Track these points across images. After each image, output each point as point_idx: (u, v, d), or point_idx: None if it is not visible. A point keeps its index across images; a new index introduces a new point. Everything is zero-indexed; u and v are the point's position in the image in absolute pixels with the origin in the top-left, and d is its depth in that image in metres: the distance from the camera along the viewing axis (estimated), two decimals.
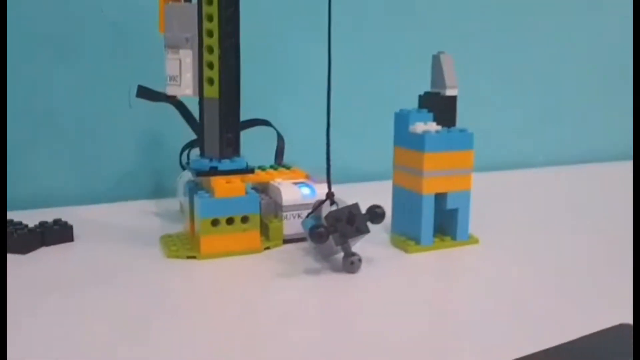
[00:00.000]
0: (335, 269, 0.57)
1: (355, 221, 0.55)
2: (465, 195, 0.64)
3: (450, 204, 0.63)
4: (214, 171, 0.61)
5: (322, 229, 0.54)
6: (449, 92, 0.64)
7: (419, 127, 0.62)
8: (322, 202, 0.58)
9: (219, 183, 0.60)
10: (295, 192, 0.65)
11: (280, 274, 0.56)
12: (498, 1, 1.09)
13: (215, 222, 0.60)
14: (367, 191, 0.63)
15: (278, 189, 0.64)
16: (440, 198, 0.63)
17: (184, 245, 0.62)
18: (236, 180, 0.61)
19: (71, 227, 0.65)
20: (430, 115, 0.64)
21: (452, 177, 0.62)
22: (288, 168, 0.72)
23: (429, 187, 0.62)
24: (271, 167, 0.73)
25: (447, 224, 0.64)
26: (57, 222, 0.65)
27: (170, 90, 0.62)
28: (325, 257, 0.59)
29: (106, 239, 0.66)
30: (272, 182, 0.67)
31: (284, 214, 0.64)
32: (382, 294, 0.51)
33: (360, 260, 0.56)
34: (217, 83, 0.60)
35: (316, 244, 0.55)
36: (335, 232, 0.54)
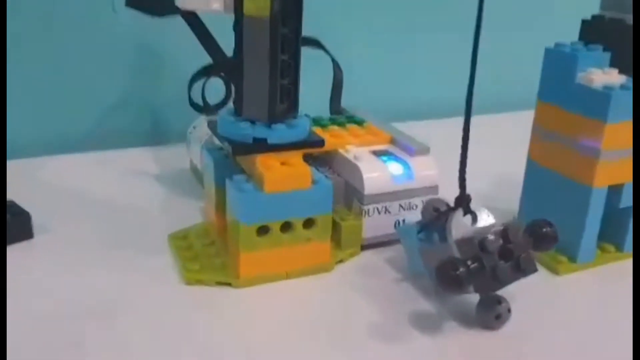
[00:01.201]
0: (458, 305, 0.35)
1: (513, 252, 0.32)
2: None
3: (625, 201, 0.40)
4: (262, 145, 0.36)
5: (461, 272, 0.31)
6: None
7: (596, 76, 0.38)
8: (449, 211, 0.34)
9: (269, 165, 0.36)
10: (382, 172, 0.41)
11: (372, 315, 0.34)
12: None
13: (263, 230, 0.36)
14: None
15: (355, 167, 0.41)
16: (611, 192, 0.40)
17: (209, 259, 0.39)
18: (296, 159, 0.37)
19: (28, 217, 0.41)
20: (607, 55, 0.40)
21: (630, 160, 0.39)
22: (360, 123, 0.48)
23: (604, 176, 0.39)
24: (332, 119, 0.48)
25: (610, 227, 0.41)
26: (9, 208, 0.41)
27: (185, 2, 0.37)
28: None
29: (82, 235, 0.43)
30: (341, 151, 0.43)
31: (365, 207, 0.40)
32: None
33: (509, 310, 0.34)
34: None
35: (446, 292, 0.33)
36: (480, 275, 0.32)
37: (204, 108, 0.55)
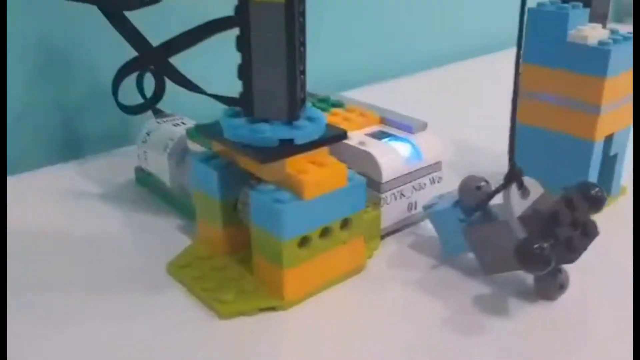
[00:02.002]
0: (508, 281, 0.34)
1: (579, 221, 0.32)
2: (626, 134, 0.43)
3: (614, 149, 0.42)
4: (290, 147, 0.32)
5: (545, 248, 0.30)
6: None
7: (589, 32, 0.38)
8: (505, 187, 0.33)
9: (302, 168, 0.32)
10: (394, 154, 0.38)
11: (434, 307, 0.32)
12: None
13: (304, 241, 0.32)
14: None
15: (367, 154, 0.38)
16: (605, 142, 0.41)
17: (236, 285, 0.34)
18: (323, 156, 0.33)
19: None
20: (587, 11, 0.40)
21: (620, 110, 0.41)
22: (341, 106, 0.44)
23: (603, 129, 0.40)
24: (322, 100, 0.45)
25: (599, 174, 0.43)
26: None
27: None
28: (489, 268, 0.35)
29: (60, 279, 0.35)
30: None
31: (383, 195, 0.38)
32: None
33: (568, 278, 0.34)
34: None
35: (531, 271, 0.32)
36: (556, 249, 0.31)
37: (137, 108, 0.48)
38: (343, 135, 0.34)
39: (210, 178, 0.35)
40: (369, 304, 0.34)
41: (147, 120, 0.44)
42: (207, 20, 0.47)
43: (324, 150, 0.33)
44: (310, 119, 0.33)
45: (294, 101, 0.32)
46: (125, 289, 0.34)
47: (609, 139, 0.41)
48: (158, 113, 0.45)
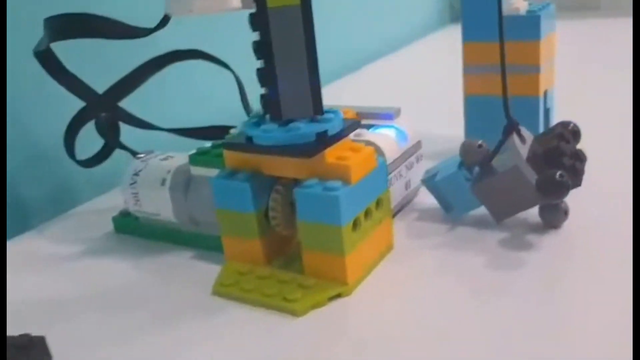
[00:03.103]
0: (517, 225, 0.39)
1: (573, 150, 0.37)
2: (553, 92, 0.50)
3: (548, 103, 0.49)
4: (326, 139, 0.34)
5: (565, 176, 0.35)
6: None
7: (520, 4, 0.45)
8: (506, 138, 0.37)
9: (341, 156, 0.34)
10: (387, 139, 0.41)
11: (478, 268, 0.35)
12: None
13: (355, 225, 0.34)
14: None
15: (371, 144, 0.40)
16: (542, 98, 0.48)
17: (293, 284, 0.34)
18: (350, 143, 0.36)
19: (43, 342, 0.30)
20: None
21: (550, 68, 0.48)
22: None
23: (543, 85, 0.46)
24: None
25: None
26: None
27: (195, 6, 0.31)
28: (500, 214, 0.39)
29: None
30: None
31: (390, 176, 0.40)
32: None
33: (568, 207, 0.39)
34: None
35: (555, 198, 0.36)
36: (568, 174, 0.36)
37: (95, 159, 0.47)
38: (358, 122, 0.37)
39: (240, 192, 0.35)
40: (415, 272, 0.36)
41: (132, 160, 0.43)
42: (151, 57, 0.48)
43: (347, 139, 0.36)
44: (332, 109, 0.35)
45: (318, 97, 0.34)
46: (186, 321, 0.33)
47: (544, 96, 0.48)
48: (135, 154, 0.44)
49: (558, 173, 0.35)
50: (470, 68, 0.47)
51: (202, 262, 0.39)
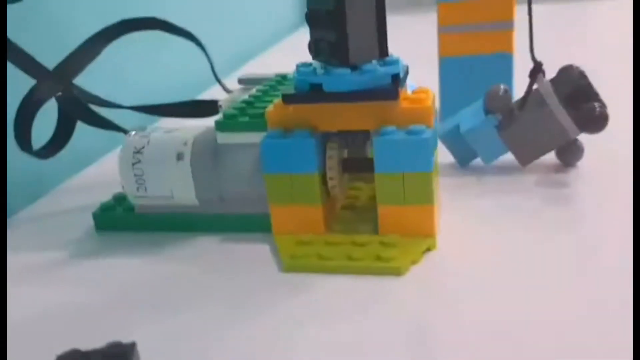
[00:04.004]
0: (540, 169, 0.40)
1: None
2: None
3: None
4: (399, 81, 0.31)
5: (603, 107, 0.36)
6: None
7: None
8: (535, 80, 0.38)
9: (415, 99, 0.32)
10: None
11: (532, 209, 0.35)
12: None
13: (435, 173, 0.32)
14: None
15: None
16: None
17: (376, 244, 0.31)
18: (417, 90, 0.33)
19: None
20: None
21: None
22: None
23: (514, 43, 0.48)
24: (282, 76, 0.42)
25: None
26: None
27: None
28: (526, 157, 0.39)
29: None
30: None
31: None
32: None
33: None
34: None
35: (598, 129, 0.37)
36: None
37: (52, 148, 0.40)
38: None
39: (302, 151, 0.31)
40: (476, 220, 0.35)
41: (125, 137, 0.36)
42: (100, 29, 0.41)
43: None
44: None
45: (385, 40, 0.31)
46: (273, 306, 0.29)
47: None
48: (125, 132, 0.37)
49: (598, 105, 0.36)
50: (444, 28, 0.48)
51: (239, 245, 0.34)
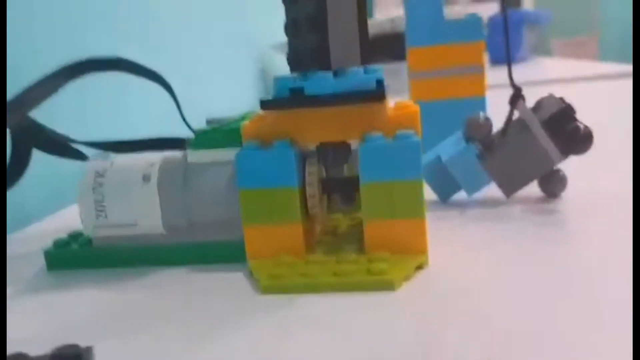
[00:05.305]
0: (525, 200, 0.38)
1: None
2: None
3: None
4: (383, 87, 0.29)
5: (587, 126, 0.35)
6: None
7: (457, 9, 0.47)
8: (515, 106, 0.37)
9: (401, 105, 0.30)
10: None
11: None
12: None
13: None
14: None
15: None
16: None
17: (364, 260, 0.28)
18: (398, 103, 0.32)
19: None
20: None
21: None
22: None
23: (485, 86, 0.48)
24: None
25: None
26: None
27: None
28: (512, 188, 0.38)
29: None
30: None
31: None
32: None
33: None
34: None
35: (582, 152, 0.36)
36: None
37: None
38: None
39: (281, 163, 0.29)
40: (466, 241, 0.33)
41: (86, 164, 0.33)
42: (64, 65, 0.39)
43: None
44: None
45: (366, 47, 0.30)
46: (251, 328, 0.25)
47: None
48: (84, 158, 0.34)
49: (582, 125, 0.35)
50: (415, 74, 0.48)
51: (209, 274, 0.31)
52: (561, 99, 0.38)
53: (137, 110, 0.63)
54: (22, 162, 0.37)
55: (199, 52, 0.86)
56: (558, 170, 0.38)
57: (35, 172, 0.38)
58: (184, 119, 0.43)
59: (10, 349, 0.23)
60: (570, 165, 0.38)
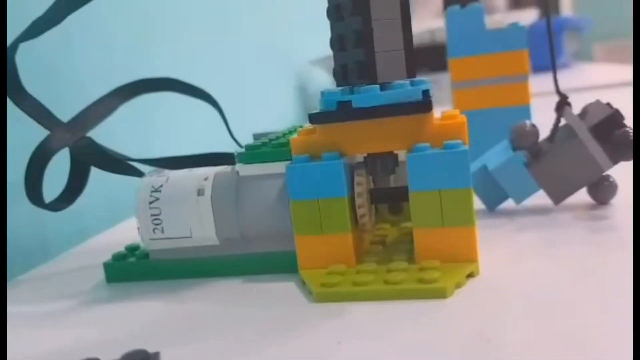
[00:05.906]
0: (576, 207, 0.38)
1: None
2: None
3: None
4: (429, 99, 0.30)
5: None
6: None
7: (497, 18, 0.47)
8: (562, 112, 0.37)
9: (446, 116, 0.31)
10: None
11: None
12: None
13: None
14: None
15: None
16: None
17: (415, 268, 0.29)
18: (445, 112, 0.32)
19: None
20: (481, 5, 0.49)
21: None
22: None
23: (530, 93, 0.48)
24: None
25: None
26: None
27: None
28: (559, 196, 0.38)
29: None
30: None
31: None
32: None
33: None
34: None
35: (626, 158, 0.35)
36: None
37: (64, 201, 0.38)
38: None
39: (331, 174, 0.30)
40: (519, 248, 0.32)
41: (140, 180, 0.34)
42: (116, 87, 0.41)
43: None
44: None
45: (413, 60, 0.31)
46: (306, 336, 0.26)
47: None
48: (140, 175, 0.36)
49: (632, 130, 0.35)
50: (458, 84, 0.48)
51: (263, 283, 0.32)
52: (608, 105, 0.38)
53: (185, 128, 0.65)
54: (80, 179, 0.38)
55: (242, 70, 0.88)
56: (607, 177, 0.38)
57: (93, 189, 0.39)
58: (231, 135, 0.45)
59: (79, 356, 0.24)
60: (620, 172, 0.37)
